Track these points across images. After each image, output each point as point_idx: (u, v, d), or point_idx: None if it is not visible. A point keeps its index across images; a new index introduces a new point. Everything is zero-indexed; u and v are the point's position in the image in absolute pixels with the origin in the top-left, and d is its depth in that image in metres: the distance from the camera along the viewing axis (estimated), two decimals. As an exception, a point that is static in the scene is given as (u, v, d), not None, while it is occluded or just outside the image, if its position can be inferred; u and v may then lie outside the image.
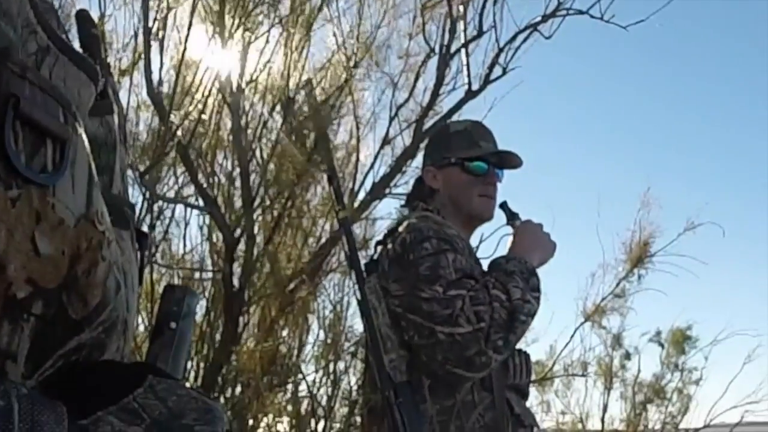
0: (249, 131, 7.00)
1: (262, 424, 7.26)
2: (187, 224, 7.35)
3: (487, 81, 7.25)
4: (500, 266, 2.42)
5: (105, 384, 0.79)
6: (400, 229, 2.43)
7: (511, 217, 2.61)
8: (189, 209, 7.30)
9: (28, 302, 0.69)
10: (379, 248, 2.51)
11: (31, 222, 0.69)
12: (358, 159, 7.46)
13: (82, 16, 0.96)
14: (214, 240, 7.34)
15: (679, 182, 12.84)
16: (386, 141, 7.44)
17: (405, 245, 2.35)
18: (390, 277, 2.36)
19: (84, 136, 0.80)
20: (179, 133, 6.33)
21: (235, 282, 6.87)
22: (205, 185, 6.89)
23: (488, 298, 2.27)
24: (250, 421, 7.04)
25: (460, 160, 2.59)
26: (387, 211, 7.62)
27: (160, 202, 6.93)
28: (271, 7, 6.88)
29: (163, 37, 6.42)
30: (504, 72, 7.23)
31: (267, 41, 6.91)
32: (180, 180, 7.18)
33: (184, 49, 6.44)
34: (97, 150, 0.88)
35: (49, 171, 0.72)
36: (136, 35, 6.49)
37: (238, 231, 6.89)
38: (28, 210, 0.69)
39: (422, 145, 6.86)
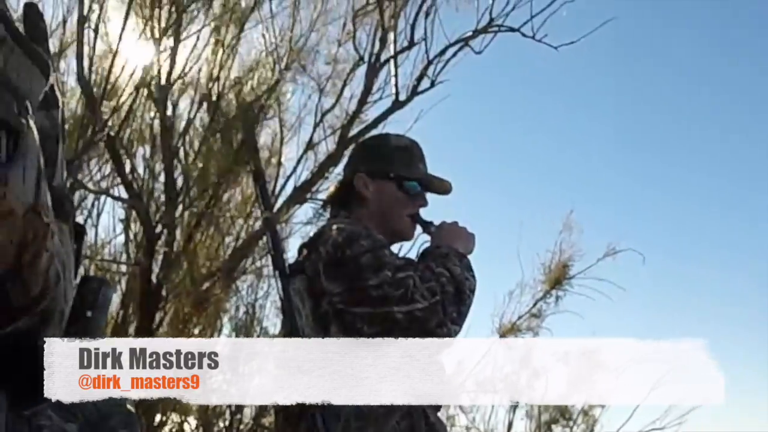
0: (176, 128, 6.94)
1: (170, 422, 7.19)
2: (99, 214, 7.26)
3: (414, 92, 7.29)
4: (432, 252, 2.49)
5: (41, 375, 0.81)
6: (329, 232, 2.44)
7: (425, 225, 2.66)
8: (103, 200, 7.21)
9: None
10: (304, 251, 2.51)
11: (-17, 210, 0.70)
12: (280, 162, 7.44)
13: (31, 9, 0.95)
14: (133, 233, 7.25)
15: (601, 207, 12.99)
16: (310, 146, 7.42)
17: (337, 245, 2.36)
18: (326, 278, 2.36)
19: (34, 129, 0.81)
20: (109, 123, 6.26)
21: (153, 278, 6.78)
22: (129, 178, 6.80)
23: (434, 276, 2.34)
24: (158, 417, 6.97)
25: (399, 177, 2.63)
26: (307, 215, 7.61)
27: (82, 191, 6.82)
28: (205, 5, 6.84)
29: (97, 26, 6.32)
30: (432, 84, 7.27)
31: (198, 38, 6.89)
32: (102, 171, 7.10)
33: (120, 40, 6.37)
34: (43, 142, 0.89)
35: (3, 161, 0.73)
36: (65, 22, 6.41)
37: (159, 227, 6.80)
38: (-19, 199, 0.70)
39: (347, 152, 6.89)
